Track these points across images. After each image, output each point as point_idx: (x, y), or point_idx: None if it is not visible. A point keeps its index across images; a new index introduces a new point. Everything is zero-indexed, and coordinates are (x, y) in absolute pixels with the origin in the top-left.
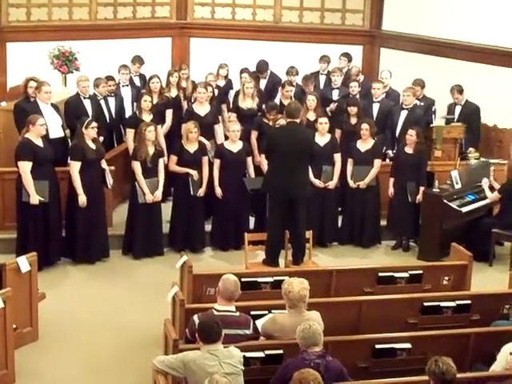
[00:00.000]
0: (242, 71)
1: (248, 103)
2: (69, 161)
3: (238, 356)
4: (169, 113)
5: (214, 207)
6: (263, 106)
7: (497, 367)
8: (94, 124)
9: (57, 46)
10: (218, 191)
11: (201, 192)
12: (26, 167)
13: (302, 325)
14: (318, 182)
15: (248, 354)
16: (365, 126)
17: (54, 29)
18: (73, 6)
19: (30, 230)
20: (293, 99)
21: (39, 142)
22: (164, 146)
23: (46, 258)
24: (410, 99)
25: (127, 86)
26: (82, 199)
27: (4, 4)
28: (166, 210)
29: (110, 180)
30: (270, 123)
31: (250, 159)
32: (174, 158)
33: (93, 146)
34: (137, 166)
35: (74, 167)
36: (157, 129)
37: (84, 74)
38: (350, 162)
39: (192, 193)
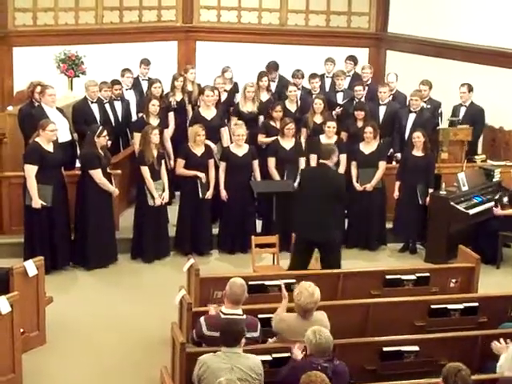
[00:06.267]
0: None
1: (249, 107)
2: (90, 172)
3: (254, 364)
4: (171, 116)
5: (220, 210)
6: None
7: (503, 368)
8: (105, 133)
9: (63, 50)
10: (224, 194)
11: (208, 195)
12: (31, 171)
13: (315, 332)
14: None
15: None
16: (369, 129)
17: (60, 33)
18: (79, 10)
19: (36, 233)
20: (298, 102)
21: (49, 147)
22: (170, 149)
23: (53, 262)
24: (417, 103)
25: (130, 89)
26: (116, 192)
27: (10, 8)
28: (171, 213)
29: (115, 185)
30: (278, 125)
31: (255, 162)
32: (181, 162)
33: (102, 153)
34: (146, 171)
35: (98, 175)
36: (163, 133)
37: (90, 78)
38: (353, 164)
39: (200, 196)
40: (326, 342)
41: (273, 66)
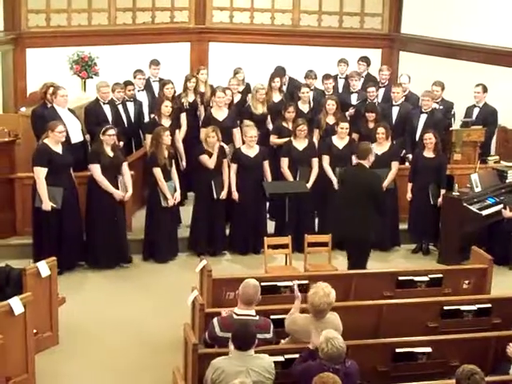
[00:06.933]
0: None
1: (259, 109)
2: (88, 166)
3: (268, 364)
4: (183, 117)
5: (232, 212)
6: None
7: None
8: (111, 131)
9: (76, 52)
10: (236, 196)
11: (223, 195)
12: (40, 173)
13: (328, 341)
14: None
15: None
16: (381, 129)
17: (73, 34)
18: (92, 11)
19: (44, 235)
20: (311, 103)
21: (57, 149)
22: (182, 150)
23: (63, 263)
24: (428, 103)
25: (142, 90)
26: (119, 195)
27: (23, 10)
28: (184, 213)
29: (121, 187)
30: (290, 126)
31: (266, 163)
32: (205, 157)
33: (110, 153)
34: (158, 172)
35: (96, 170)
36: (175, 134)
37: (103, 79)
38: None
39: (215, 196)
40: (338, 351)
41: (279, 72)
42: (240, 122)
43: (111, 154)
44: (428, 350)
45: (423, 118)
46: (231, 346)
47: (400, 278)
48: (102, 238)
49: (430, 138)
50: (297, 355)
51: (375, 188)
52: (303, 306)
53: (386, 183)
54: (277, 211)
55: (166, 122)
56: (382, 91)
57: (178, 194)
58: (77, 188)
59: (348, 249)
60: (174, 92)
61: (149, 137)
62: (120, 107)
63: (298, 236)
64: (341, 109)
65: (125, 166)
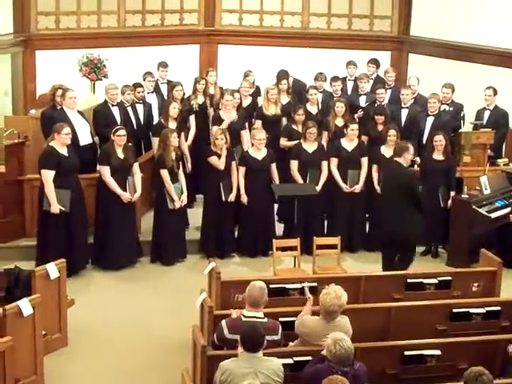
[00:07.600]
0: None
1: (272, 110)
2: (98, 167)
3: (277, 367)
4: (192, 119)
5: (240, 214)
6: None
7: None
8: (121, 132)
9: (85, 54)
10: (245, 199)
11: (231, 197)
12: (48, 176)
13: (336, 342)
14: (345, 187)
15: None
16: (392, 132)
17: (82, 36)
18: (101, 13)
19: (50, 238)
20: (319, 105)
21: (64, 151)
22: (187, 152)
23: (70, 265)
24: (435, 105)
25: (152, 92)
26: (126, 197)
27: (33, 12)
28: (192, 215)
29: (130, 188)
30: (299, 128)
31: (274, 166)
32: (214, 158)
33: (121, 154)
34: (166, 174)
35: (105, 172)
36: (181, 136)
37: (112, 81)
38: (374, 168)
39: (223, 198)
40: (346, 353)
41: (284, 75)
42: (249, 125)
43: (122, 156)
44: (437, 352)
45: (430, 120)
46: (240, 348)
47: (409, 280)
48: (111, 239)
49: (440, 140)
50: (306, 358)
51: (410, 186)
52: (315, 308)
53: None
54: (285, 213)
55: (172, 124)
56: (388, 92)
57: (184, 196)
58: (83, 190)
59: (390, 248)
60: (184, 94)
61: (156, 139)
62: (129, 109)
63: (307, 238)
64: (349, 111)
65: (135, 166)
